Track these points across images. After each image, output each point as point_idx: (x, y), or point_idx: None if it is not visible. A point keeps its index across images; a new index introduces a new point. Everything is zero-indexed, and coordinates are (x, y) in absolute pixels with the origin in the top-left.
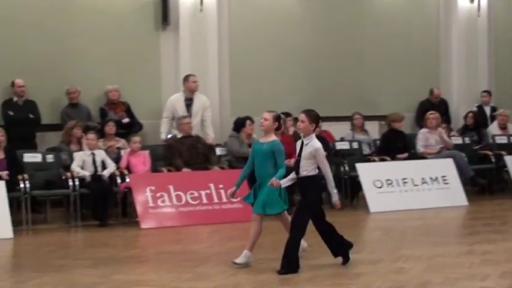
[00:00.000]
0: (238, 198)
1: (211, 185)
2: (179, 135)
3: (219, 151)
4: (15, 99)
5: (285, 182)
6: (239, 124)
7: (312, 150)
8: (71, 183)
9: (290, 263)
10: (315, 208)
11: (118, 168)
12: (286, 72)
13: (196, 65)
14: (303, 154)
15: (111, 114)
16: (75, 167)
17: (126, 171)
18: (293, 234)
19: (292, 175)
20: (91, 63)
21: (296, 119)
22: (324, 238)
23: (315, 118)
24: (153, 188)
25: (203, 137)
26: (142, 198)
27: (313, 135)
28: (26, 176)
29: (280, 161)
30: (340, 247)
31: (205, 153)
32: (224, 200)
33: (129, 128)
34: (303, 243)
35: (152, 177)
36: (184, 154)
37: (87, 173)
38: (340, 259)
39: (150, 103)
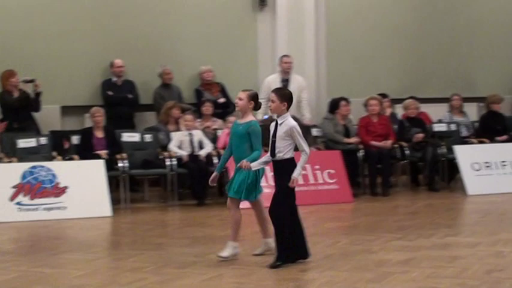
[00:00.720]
0: (215, 184)
1: (307, 166)
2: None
3: (315, 132)
4: (114, 79)
5: (256, 165)
6: (333, 105)
7: (287, 129)
8: (168, 162)
9: (283, 254)
10: (293, 192)
11: (215, 148)
12: (384, 54)
13: (293, 46)
14: (277, 134)
15: (206, 94)
16: (172, 146)
17: (223, 151)
18: (276, 227)
19: (266, 157)
20: (186, 43)
21: (394, 101)
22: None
23: (286, 97)
24: None
25: (299, 118)
26: None
27: (288, 114)
28: (124, 155)
29: (256, 143)
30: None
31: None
32: (320, 181)
33: (225, 109)
34: None
35: None
36: None
37: (184, 153)
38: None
39: (246, 84)
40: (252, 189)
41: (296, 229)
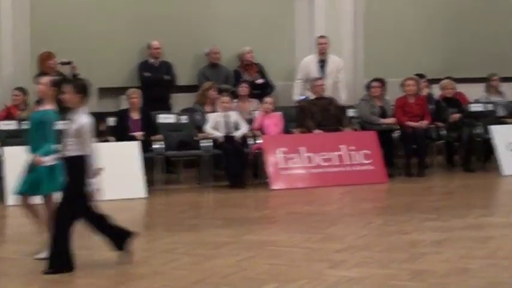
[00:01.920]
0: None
1: (343, 147)
2: (312, 97)
3: (351, 113)
4: (151, 60)
5: (49, 160)
6: (370, 86)
7: (78, 127)
8: (203, 144)
9: (58, 261)
10: (81, 196)
11: (251, 129)
12: (422, 34)
13: (330, 27)
14: (68, 130)
15: (245, 75)
16: (208, 128)
17: (258, 133)
18: (56, 227)
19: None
20: (225, 25)
21: (431, 81)
22: (100, 232)
23: (81, 88)
24: (285, 149)
25: (336, 99)
26: (273, 159)
27: (81, 108)
28: (160, 136)
29: (48, 134)
30: (118, 237)
31: (337, 115)
32: (355, 161)
33: (263, 89)
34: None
35: (284, 138)
36: (316, 116)
37: (219, 134)
38: None
39: (283, 64)
40: (43, 184)
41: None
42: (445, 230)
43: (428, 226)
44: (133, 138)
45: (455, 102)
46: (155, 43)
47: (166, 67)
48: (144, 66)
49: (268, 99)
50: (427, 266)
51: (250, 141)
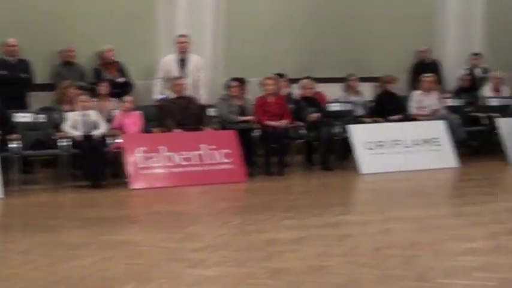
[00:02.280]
0: None
1: (203, 146)
2: (172, 96)
3: (211, 112)
4: (7, 58)
5: None
6: (227, 85)
7: None
8: (61, 143)
9: None
10: None
11: (110, 128)
12: (282, 33)
13: (191, 26)
14: None
15: (105, 74)
16: (66, 127)
17: (118, 132)
18: None
19: None
20: (85, 22)
21: (291, 80)
22: None
23: None
24: (144, 148)
25: (196, 98)
26: (133, 158)
27: None
28: (17, 135)
29: None
30: None
31: (197, 114)
32: (215, 160)
33: (123, 88)
34: None
35: (144, 137)
36: (176, 115)
37: (78, 133)
38: None
39: (144, 63)
40: None
41: None
42: (303, 228)
43: (286, 225)
44: None
45: (315, 101)
46: (11, 40)
47: (23, 65)
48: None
49: (128, 98)
50: (284, 264)
51: (109, 141)
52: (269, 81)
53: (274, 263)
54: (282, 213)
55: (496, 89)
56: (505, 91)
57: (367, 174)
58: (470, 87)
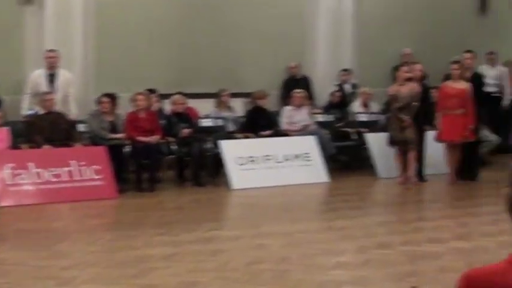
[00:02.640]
0: None
1: (73, 162)
2: (41, 112)
3: (81, 128)
4: None
5: None
6: (98, 101)
7: None
8: None
9: None
10: None
11: None
12: (153, 50)
13: (61, 41)
14: None
15: None
16: None
17: None
18: None
19: None
20: None
21: (162, 96)
22: None
23: None
24: (12, 165)
25: (66, 114)
26: (0, 175)
27: None
28: None
29: None
30: None
31: (67, 130)
32: (85, 177)
33: None
34: None
35: (11, 154)
36: (45, 131)
37: None
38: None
39: (11, 78)
40: None
41: None
42: (175, 244)
43: (158, 241)
44: None
45: (186, 117)
46: None
47: None
48: None
49: None
50: (156, 280)
51: None
52: (140, 97)
53: (146, 279)
54: (154, 230)
55: (365, 105)
56: (374, 107)
57: (239, 189)
58: (340, 103)
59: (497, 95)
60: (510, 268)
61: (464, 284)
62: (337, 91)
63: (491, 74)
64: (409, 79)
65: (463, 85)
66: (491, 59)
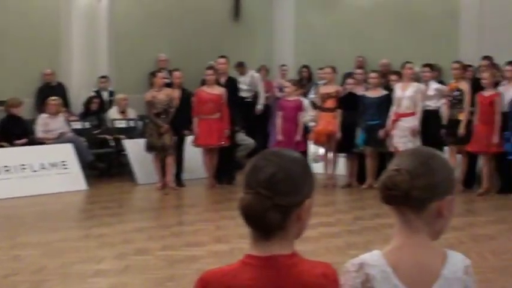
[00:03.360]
0: None
1: None
2: None
3: None
4: None
5: None
6: None
7: None
8: None
9: None
10: None
11: None
12: None
13: None
14: None
15: None
16: None
17: None
18: None
19: None
20: None
21: None
22: None
23: None
24: None
25: None
26: None
27: None
28: None
29: None
30: None
31: None
32: None
33: None
34: None
35: None
36: None
37: None
38: None
39: None
40: None
41: None
42: None
43: None
44: None
45: None
46: None
47: None
48: None
49: None
50: None
51: None
52: None
53: None
54: None
55: (123, 111)
56: (131, 113)
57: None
58: (97, 110)
59: (250, 100)
60: (243, 268)
61: (200, 285)
62: (95, 97)
63: (243, 81)
64: (167, 85)
65: (218, 90)
66: (240, 70)
